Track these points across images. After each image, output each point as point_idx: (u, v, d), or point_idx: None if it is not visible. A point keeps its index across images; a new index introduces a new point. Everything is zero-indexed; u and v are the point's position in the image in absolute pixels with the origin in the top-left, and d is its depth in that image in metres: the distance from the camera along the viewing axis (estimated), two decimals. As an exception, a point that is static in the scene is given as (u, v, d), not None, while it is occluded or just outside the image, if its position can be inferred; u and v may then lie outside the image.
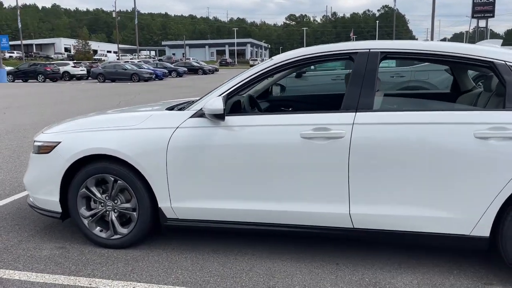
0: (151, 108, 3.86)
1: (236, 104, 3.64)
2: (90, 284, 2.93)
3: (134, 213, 3.39)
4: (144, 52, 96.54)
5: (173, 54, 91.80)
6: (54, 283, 2.95)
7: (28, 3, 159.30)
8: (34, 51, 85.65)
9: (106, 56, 73.93)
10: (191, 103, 3.45)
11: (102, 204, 3.47)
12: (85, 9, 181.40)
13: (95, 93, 21.78)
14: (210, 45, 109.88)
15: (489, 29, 61.31)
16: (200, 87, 25.05)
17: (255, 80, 3.30)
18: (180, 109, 3.43)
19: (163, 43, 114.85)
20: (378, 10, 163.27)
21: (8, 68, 37.29)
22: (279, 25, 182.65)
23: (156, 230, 3.51)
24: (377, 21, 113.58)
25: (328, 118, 3.00)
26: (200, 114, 3.22)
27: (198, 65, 51.08)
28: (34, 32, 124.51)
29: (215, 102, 3.05)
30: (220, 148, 3.12)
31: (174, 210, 3.30)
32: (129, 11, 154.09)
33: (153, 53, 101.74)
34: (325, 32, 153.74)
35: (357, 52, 3.12)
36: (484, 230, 2.82)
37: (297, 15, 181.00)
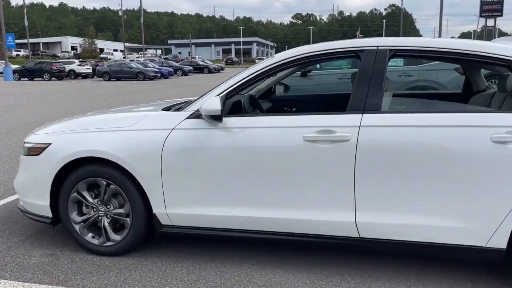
0: (147, 108, 3.68)
1: (236, 105, 3.46)
2: (78, 296, 2.76)
3: (128, 219, 3.21)
4: (150, 51, 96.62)
5: (179, 52, 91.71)
6: (40, 294, 2.79)
7: (35, 2, 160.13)
8: (41, 49, 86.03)
9: (112, 54, 73.96)
10: (189, 103, 3.27)
11: (94, 209, 3.29)
12: (92, 8, 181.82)
13: (100, 91, 21.68)
14: (216, 44, 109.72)
15: (497, 28, 60.73)
16: (205, 85, 24.88)
17: (256, 79, 3.11)
18: (177, 110, 3.25)
19: (169, 41, 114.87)
20: (385, 9, 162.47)
21: (14, 67, 37.37)
22: (285, 24, 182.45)
23: (152, 237, 3.33)
24: (384, 20, 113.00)
25: (333, 120, 2.80)
26: (197, 115, 3.04)
27: (204, 64, 51.02)
28: (41, 31, 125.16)
29: (212, 103, 2.86)
30: (217, 151, 2.94)
31: (169, 217, 3.12)
32: (135, 9, 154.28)
33: (159, 51, 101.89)
34: (332, 31, 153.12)
35: (364, 50, 2.92)
36: (500, 241, 2.62)
37: (304, 14, 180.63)
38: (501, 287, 2.78)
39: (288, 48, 3.40)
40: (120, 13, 72.79)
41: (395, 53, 2.90)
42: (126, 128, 3.13)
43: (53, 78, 34.96)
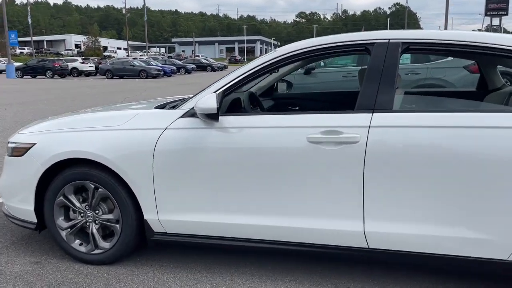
0: (140, 106, 3.44)
1: (235, 102, 3.21)
2: (61, 310, 2.52)
3: (117, 225, 2.98)
4: (154, 49, 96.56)
5: (183, 51, 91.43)
6: (20, 307, 2.56)
7: (40, 0, 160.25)
8: (45, 47, 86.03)
9: (115, 52, 73.81)
10: (185, 100, 3.02)
11: (82, 214, 3.06)
12: (96, 6, 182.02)
13: (102, 89, 21.47)
14: (220, 42, 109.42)
15: (502, 27, 60.16)
16: (207, 83, 24.53)
17: (257, 75, 2.85)
18: (172, 107, 3.01)
19: (173, 40, 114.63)
20: (389, 8, 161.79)
21: (17, 64, 37.24)
22: (289, 22, 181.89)
23: (143, 245, 3.09)
24: (388, 19, 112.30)
25: (340, 120, 2.55)
26: (191, 113, 2.79)
27: (207, 62, 50.78)
28: (46, 29, 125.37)
29: (207, 100, 2.62)
30: (213, 153, 2.69)
31: (162, 223, 2.88)
32: (139, 8, 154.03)
33: (163, 50, 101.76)
34: (336, 29, 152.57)
35: (374, 43, 2.66)
36: (525, 254, 2.36)
37: (307, 12, 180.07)
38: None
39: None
40: (123, 11, 72.57)
41: (408, 46, 2.64)
42: (115, 128, 2.89)
43: (55, 76, 34.83)
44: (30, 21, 53.46)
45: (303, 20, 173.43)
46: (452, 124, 2.38)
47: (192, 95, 3.03)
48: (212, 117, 2.64)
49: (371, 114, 2.51)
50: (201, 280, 2.85)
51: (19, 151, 3.09)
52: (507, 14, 52.55)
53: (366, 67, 2.73)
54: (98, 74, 36.67)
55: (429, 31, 2.68)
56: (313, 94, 4.70)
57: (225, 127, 2.70)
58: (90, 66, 37.89)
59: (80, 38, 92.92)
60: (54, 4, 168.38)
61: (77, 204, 3.04)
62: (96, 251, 3.05)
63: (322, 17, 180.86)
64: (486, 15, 53.67)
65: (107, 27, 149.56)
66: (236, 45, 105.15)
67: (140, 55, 59.58)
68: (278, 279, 2.86)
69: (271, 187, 2.63)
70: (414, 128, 2.42)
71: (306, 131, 2.56)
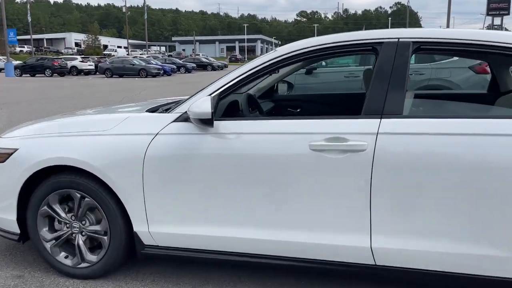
0: (131, 109, 3.24)
1: (232, 105, 3.01)
2: (41, 332, 2.32)
3: (105, 237, 2.77)
4: (154, 48, 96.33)
5: (183, 50, 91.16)
6: (-3, 328, 2.36)
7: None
8: (45, 45, 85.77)
9: (115, 51, 73.54)
10: (179, 103, 2.81)
11: (68, 225, 2.86)
12: (96, 4, 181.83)
13: (100, 88, 21.25)
14: (220, 41, 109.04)
15: (504, 27, 59.92)
16: (207, 83, 24.32)
17: (255, 76, 2.64)
18: (166, 110, 2.80)
19: (173, 38, 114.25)
20: (390, 7, 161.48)
21: (16, 62, 37.02)
22: (290, 21, 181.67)
23: (133, 258, 2.89)
24: (389, 18, 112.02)
25: (345, 126, 2.35)
26: (185, 117, 2.59)
27: (207, 61, 50.56)
28: (46, 27, 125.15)
29: (202, 104, 2.41)
30: (208, 161, 2.49)
31: (153, 236, 2.67)
32: (139, 6, 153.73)
33: (163, 48, 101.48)
34: (337, 29, 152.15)
35: (382, 42, 2.46)
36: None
37: (308, 11, 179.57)
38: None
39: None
40: (124, 10, 72.35)
41: (420, 46, 2.43)
42: (102, 133, 2.69)
43: (55, 74, 34.59)
44: (30, 19, 53.29)
45: (304, 19, 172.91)
46: (470, 132, 2.17)
47: (187, 98, 2.82)
48: (206, 122, 2.43)
49: (379, 119, 2.31)
50: (195, 297, 2.65)
51: (1, 156, 2.88)
52: (508, 14, 52.28)
53: (370, 67, 2.53)
54: (97, 73, 36.45)
55: (441, 30, 2.47)
56: (315, 96, 4.50)
57: (220, 132, 2.50)
58: (89, 65, 37.68)
59: (80, 37, 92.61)
60: (54, 2, 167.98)
61: (63, 214, 2.84)
62: (83, 265, 2.85)
63: (323, 16, 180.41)
64: (487, 14, 53.40)
65: (107, 26, 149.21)
66: (237, 44, 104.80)
67: (140, 54, 59.35)
68: (277, 296, 2.66)
69: (269, 199, 2.43)
70: (427, 135, 2.22)
71: (309, 137, 2.36)
